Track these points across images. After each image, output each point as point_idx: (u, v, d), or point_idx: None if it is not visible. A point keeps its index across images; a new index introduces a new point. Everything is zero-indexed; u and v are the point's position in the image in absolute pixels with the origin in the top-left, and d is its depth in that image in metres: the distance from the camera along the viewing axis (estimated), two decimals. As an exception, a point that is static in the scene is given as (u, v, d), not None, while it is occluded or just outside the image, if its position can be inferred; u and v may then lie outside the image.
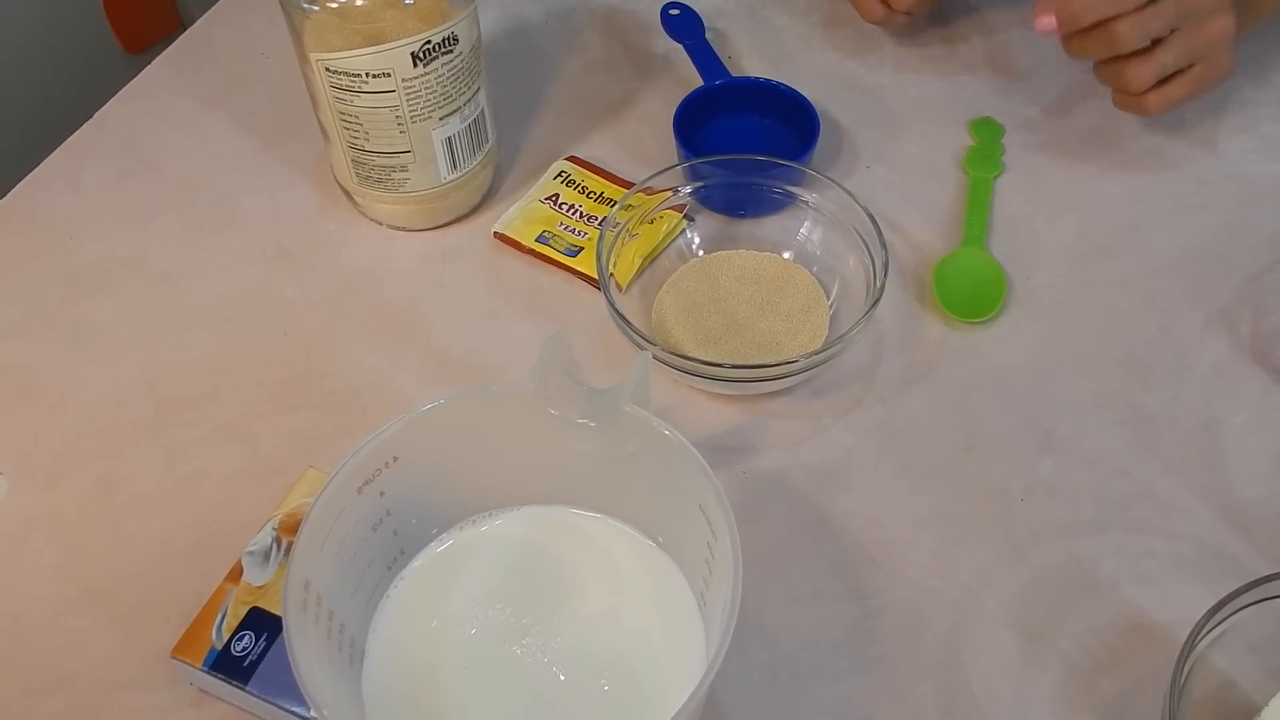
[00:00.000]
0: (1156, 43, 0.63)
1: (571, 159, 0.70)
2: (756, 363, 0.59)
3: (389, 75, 0.58)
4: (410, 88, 0.59)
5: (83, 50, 1.65)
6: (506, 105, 0.74)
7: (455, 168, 0.64)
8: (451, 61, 0.59)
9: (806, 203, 0.63)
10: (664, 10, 0.75)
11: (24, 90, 1.53)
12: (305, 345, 0.63)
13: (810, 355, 0.56)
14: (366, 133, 0.61)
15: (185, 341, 0.63)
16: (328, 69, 0.58)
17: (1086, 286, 0.64)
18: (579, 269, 0.64)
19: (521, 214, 0.67)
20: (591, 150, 0.72)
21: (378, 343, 0.63)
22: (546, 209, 0.67)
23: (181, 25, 1.84)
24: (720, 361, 0.57)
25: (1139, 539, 0.54)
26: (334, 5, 0.56)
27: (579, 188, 0.68)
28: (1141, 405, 0.59)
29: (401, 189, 0.64)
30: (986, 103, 0.73)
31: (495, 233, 0.66)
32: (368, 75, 0.58)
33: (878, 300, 0.57)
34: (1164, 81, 0.64)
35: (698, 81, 0.72)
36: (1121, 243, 0.66)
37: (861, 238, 0.61)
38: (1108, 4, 0.62)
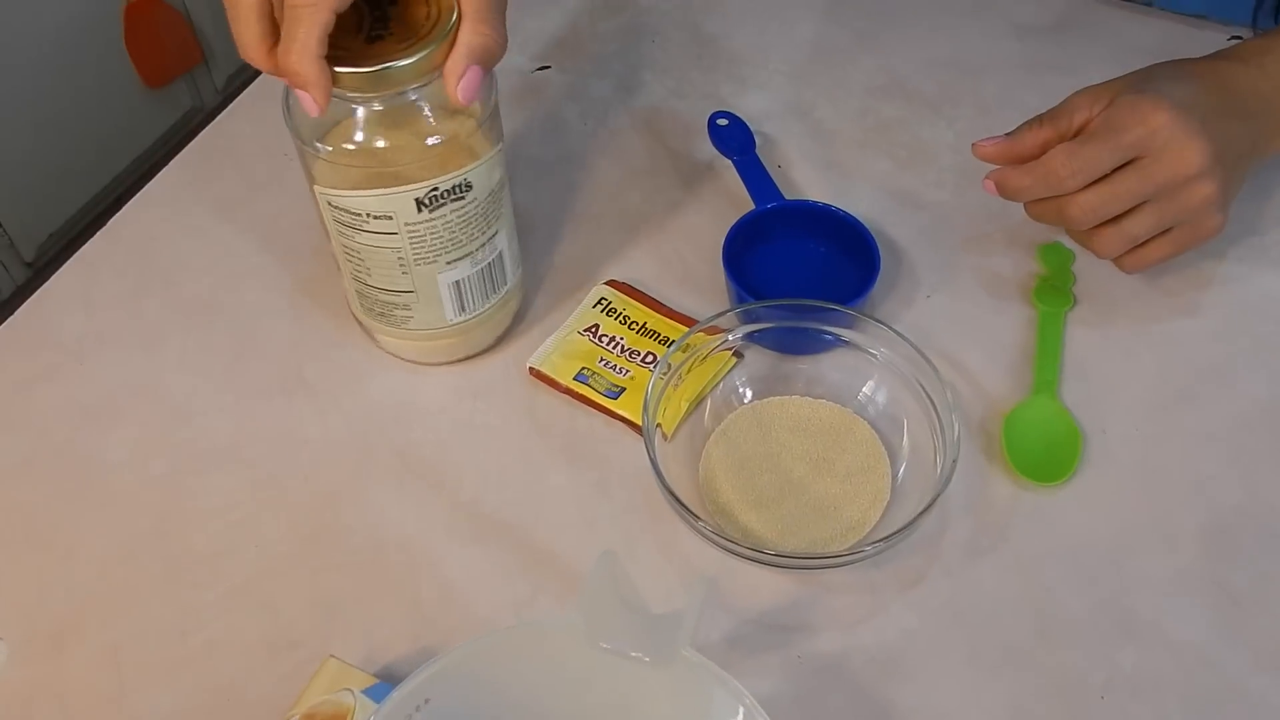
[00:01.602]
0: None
1: (612, 283, 0.66)
2: (808, 553, 0.54)
3: (391, 218, 0.54)
4: (414, 232, 0.55)
5: (103, 85, 1.62)
6: (541, 216, 0.70)
7: (463, 310, 0.60)
8: (463, 209, 0.55)
9: (866, 351, 0.59)
10: (711, 120, 0.71)
11: (44, 126, 1.50)
12: (327, 493, 0.59)
13: (870, 544, 0.51)
14: (369, 269, 0.57)
15: (200, 486, 0.59)
16: (329, 203, 0.55)
17: (1166, 442, 0.60)
18: (621, 413, 0.60)
19: (559, 347, 0.63)
20: (632, 270, 0.68)
21: (404, 492, 0.59)
22: (585, 342, 0.63)
23: (204, 59, 1.81)
24: (768, 549, 0.53)
25: (1232, 747, 0.50)
26: (350, 147, 0.52)
27: (620, 317, 0.64)
28: (1229, 584, 0.55)
29: (405, 326, 0.60)
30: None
31: (530, 368, 0.62)
32: (369, 216, 0.54)
33: (948, 482, 0.52)
34: (1140, 244, 0.60)
35: (745, 193, 0.68)
36: (1203, 389, 0.61)
37: (927, 394, 0.57)
38: (1042, 188, 0.58)
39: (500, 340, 0.64)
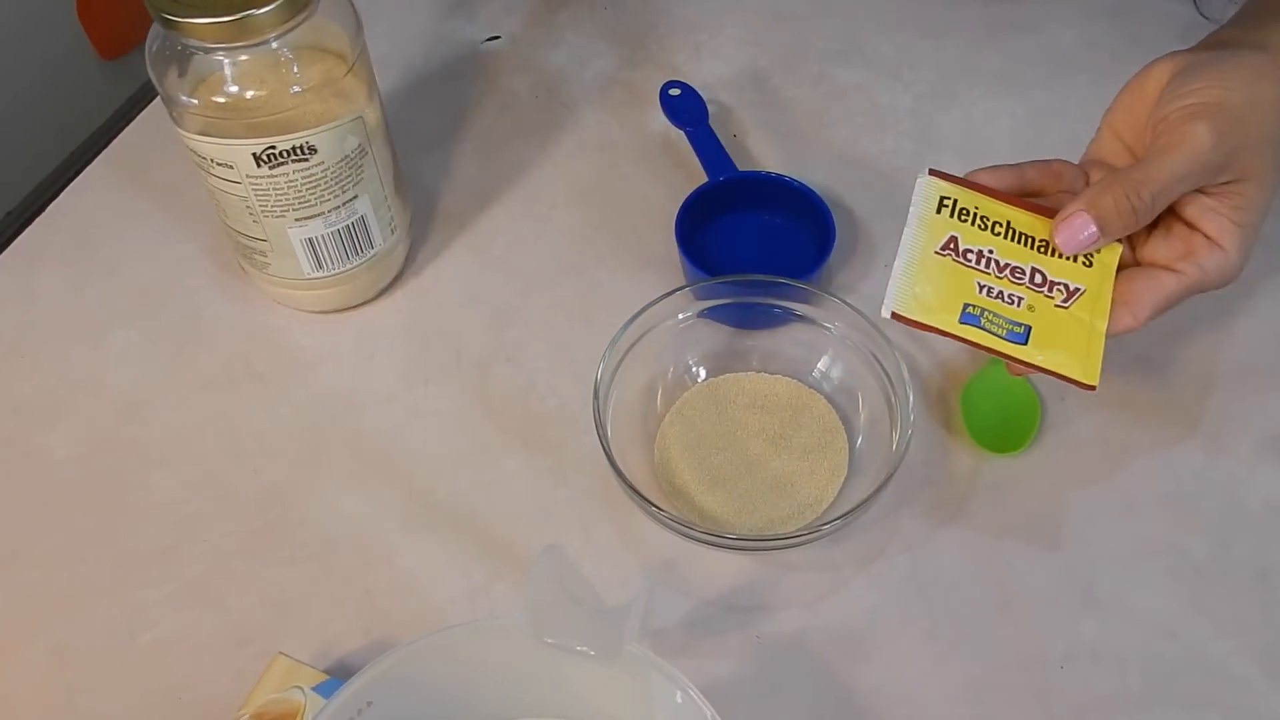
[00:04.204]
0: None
1: (935, 173, 0.49)
2: (766, 534, 0.54)
3: (233, 168, 0.54)
4: (257, 185, 0.55)
5: (55, 57, 1.57)
6: (492, 190, 0.69)
7: (320, 268, 0.60)
8: (308, 170, 0.55)
9: (821, 324, 0.58)
10: (663, 90, 0.69)
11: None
12: (277, 486, 0.58)
13: (827, 522, 0.51)
14: (225, 210, 0.58)
15: (147, 482, 0.58)
16: (185, 143, 0.56)
17: (1124, 408, 0.59)
18: (1042, 365, 0.46)
19: (919, 274, 0.46)
20: (587, 247, 0.66)
21: (356, 481, 0.58)
22: (949, 262, 0.46)
23: (159, 31, 1.77)
24: (727, 533, 0.52)
25: (1192, 714, 0.50)
26: (220, 100, 0.52)
27: (977, 220, 0.47)
28: (1189, 552, 0.54)
29: (266, 271, 0.61)
30: (1013, 188, 0.68)
31: (893, 313, 0.46)
32: (213, 162, 0.55)
33: (903, 456, 0.52)
34: None
35: (699, 165, 0.66)
36: (1160, 351, 0.61)
37: (881, 366, 0.56)
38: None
39: (387, 288, 0.65)
